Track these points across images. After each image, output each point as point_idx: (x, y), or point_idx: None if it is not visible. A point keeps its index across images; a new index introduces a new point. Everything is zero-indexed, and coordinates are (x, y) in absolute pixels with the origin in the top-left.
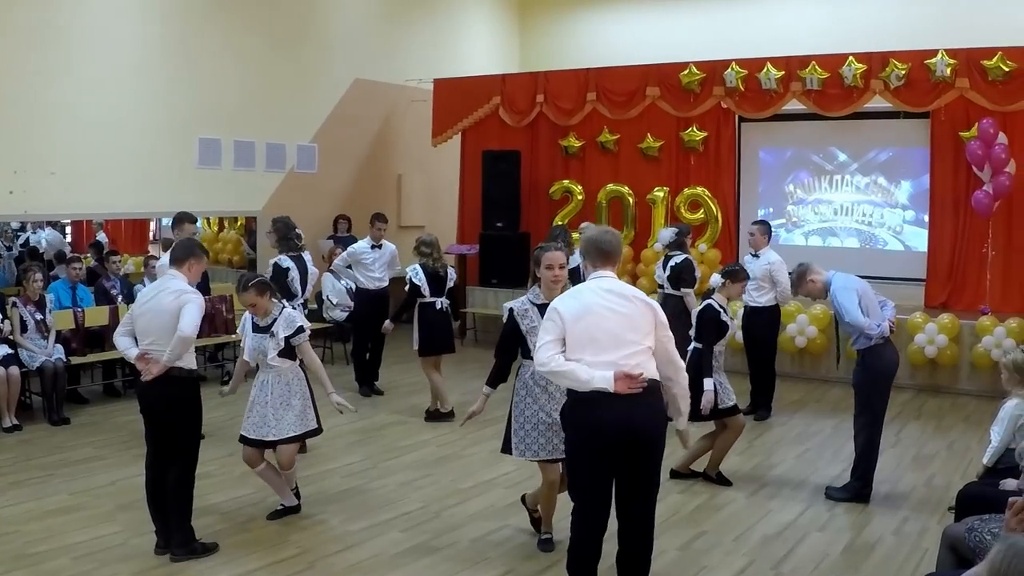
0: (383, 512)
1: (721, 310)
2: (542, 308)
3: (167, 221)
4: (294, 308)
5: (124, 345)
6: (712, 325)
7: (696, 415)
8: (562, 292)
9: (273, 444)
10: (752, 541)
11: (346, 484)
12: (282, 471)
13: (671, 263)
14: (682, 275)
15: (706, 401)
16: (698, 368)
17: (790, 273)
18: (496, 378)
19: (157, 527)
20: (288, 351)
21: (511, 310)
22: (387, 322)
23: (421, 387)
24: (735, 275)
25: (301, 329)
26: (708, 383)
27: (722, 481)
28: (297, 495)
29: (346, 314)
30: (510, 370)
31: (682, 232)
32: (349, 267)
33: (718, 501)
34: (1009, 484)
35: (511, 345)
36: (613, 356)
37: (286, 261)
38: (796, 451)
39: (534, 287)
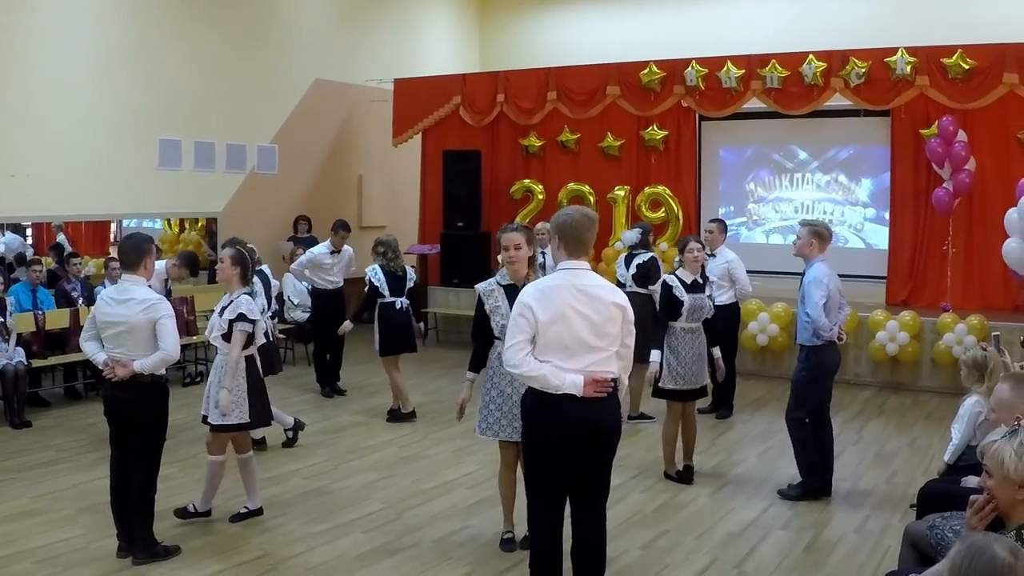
0: (345, 514)
1: (673, 286)
2: (508, 289)
3: (128, 222)
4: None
5: (92, 350)
6: (665, 302)
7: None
8: (525, 274)
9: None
10: (714, 540)
11: (308, 486)
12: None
13: (637, 261)
14: (650, 273)
15: (649, 372)
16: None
17: (809, 221)
18: (476, 363)
19: (119, 530)
20: (231, 335)
21: (479, 292)
22: (346, 322)
23: (383, 388)
24: (681, 247)
25: (242, 317)
26: (655, 355)
27: (683, 479)
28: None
29: (308, 314)
30: (488, 353)
31: (645, 231)
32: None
33: (680, 500)
34: (970, 481)
35: (484, 327)
36: (582, 363)
37: None
38: (758, 449)
39: (502, 268)
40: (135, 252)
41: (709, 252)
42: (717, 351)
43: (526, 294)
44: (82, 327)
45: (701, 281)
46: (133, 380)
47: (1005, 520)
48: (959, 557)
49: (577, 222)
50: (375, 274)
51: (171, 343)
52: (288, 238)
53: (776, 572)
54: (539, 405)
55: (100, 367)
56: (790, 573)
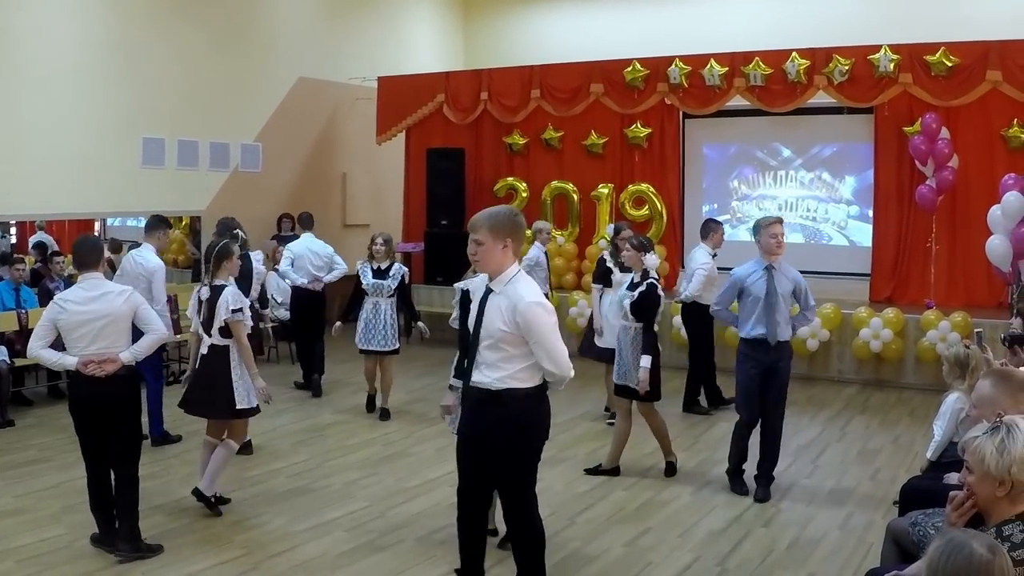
0: (328, 512)
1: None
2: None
3: (112, 221)
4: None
5: (52, 356)
6: None
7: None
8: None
9: None
10: (697, 537)
11: (291, 484)
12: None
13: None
14: (596, 273)
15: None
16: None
17: (780, 218)
18: None
19: (103, 530)
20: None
21: None
22: (422, 324)
23: (364, 385)
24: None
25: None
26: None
27: (610, 472)
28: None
29: (290, 313)
30: None
31: (615, 230)
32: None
33: (663, 497)
34: (953, 478)
35: None
36: None
37: None
38: None
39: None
40: (95, 251)
41: (714, 252)
42: (645, 360)
43: (543, 305)
44: None
45: (636, 280)
46: (115, 374)
47: (985, 517)
48: (937, 553)
49: (523, 222)
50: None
51: (159, 323)
52: (272, 236)
53: (759, 569)
54: (544, 401)
55: (75, 369)
56: (773, 570)
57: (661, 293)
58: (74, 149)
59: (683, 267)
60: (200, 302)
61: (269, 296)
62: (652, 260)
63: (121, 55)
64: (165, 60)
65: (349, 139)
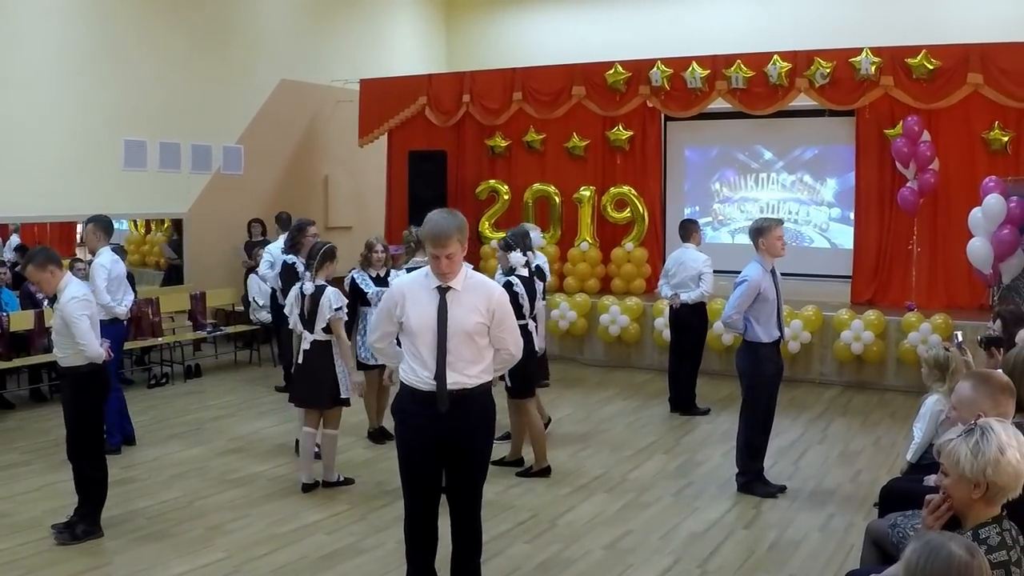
0: (309, 515)
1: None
2: None
3: None
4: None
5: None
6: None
7: None
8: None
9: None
10: (678, 539)
11: (273, 487)
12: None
13: None
14: None
15: None
16: None
17: (767, 223)
18: None
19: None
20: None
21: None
22: None
23: None
24: None
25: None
26: None
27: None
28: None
29: (271, 316)
30: None
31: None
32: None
33: (644, 499)
34: (932, 480)
35: None
36: None
37: (291, 258)
38: (723, 448)
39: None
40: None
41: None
42: None
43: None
44: (48, 328)
45: None
46: None
47: (961, 520)
48: (915, 556)
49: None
50: None
51: None
52: (244, 243)
53: (739, 571)
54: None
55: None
56: (753, 572)
57: (518, 291)
58: (55, 151)
59: (664, 270)
60: (303, 296)
61: (251, 299)
62: (516, 258)
63: (103, 57)
64: (147, 62)
65: (331, 141)
